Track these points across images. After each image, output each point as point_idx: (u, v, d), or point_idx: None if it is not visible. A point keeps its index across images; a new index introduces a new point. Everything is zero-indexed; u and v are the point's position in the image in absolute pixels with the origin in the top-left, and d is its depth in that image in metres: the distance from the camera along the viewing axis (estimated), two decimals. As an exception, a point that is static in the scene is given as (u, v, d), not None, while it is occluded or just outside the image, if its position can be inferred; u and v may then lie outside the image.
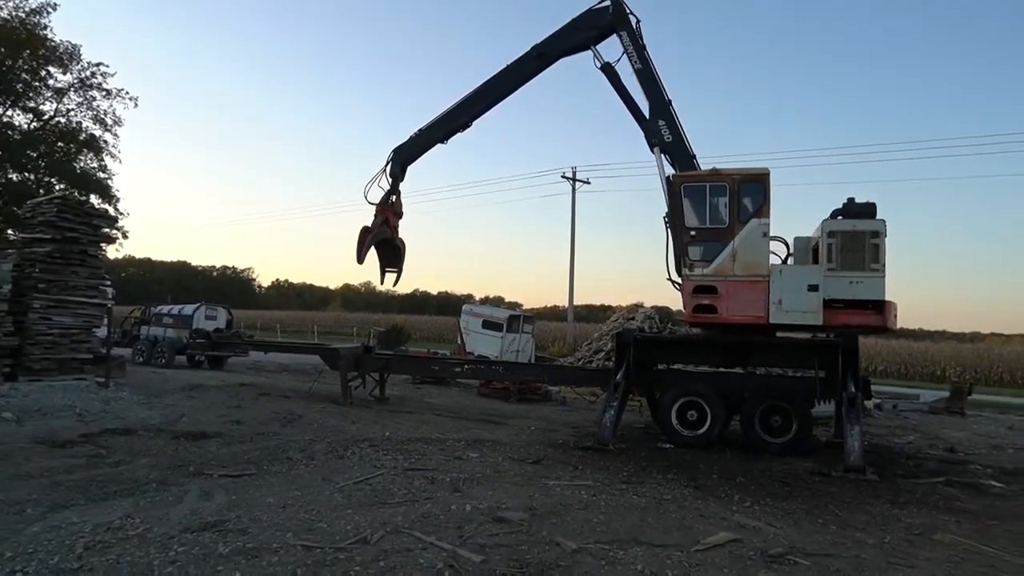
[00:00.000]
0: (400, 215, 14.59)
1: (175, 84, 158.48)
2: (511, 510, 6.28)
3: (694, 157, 11.79)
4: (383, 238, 14.27)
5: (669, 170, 11.78)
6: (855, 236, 10.30)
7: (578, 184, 40.78)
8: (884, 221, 10.31)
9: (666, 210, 11.56)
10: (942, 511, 7.43)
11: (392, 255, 14.78)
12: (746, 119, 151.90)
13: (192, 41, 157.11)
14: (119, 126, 36.11)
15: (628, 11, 12.30)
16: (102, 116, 35.17)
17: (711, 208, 11.05)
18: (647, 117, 12.04)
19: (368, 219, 14.15)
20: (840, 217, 10.62)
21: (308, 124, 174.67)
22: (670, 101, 11.98)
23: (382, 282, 15.16)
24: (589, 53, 12.68)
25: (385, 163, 14.06)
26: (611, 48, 12.45)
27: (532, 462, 8.92)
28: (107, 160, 36.30)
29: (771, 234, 10.82)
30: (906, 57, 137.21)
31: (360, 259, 14.30)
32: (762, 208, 10.73)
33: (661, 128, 11.87)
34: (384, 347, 27.12)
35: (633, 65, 12.09)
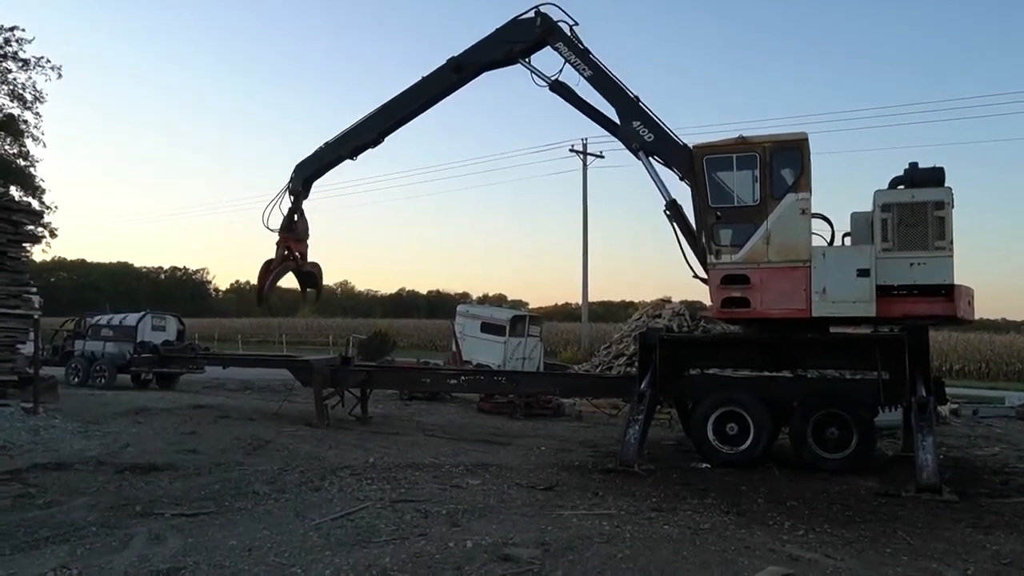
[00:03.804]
0: (305, 237, 15.37)
1: (108, 55, 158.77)
2: (520, 546, 6.26)
3: (686, 147, 11.91)
4: (290, 271, 15.20)
5: (662, 171, 12.01)
6: (915, 208, 10.23)
7: (590, 159, 40.82)
8: (951, 189, 10.26)
9: (664, 203, 11.82)
10: (1035, 535, 7.39)
11: (307, 279, 15.70)
12: (778, 78, 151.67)
13: (129, 8, 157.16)
14: (41, 102, 36.28)
15: (560, 19, 12.62)
16: (20, 91, 35.30)
17: (739, 183, 11.04)
18: (619, 123, 12.29)
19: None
20: (901, 187, 10.57)
21: (270, 105, 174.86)
22: (637, 97, 12.22)
23: (303, 299, 16.08)
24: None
25: (288, 181, 14.86)
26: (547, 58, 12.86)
27: (543, 489, 8.92)
28: (29, 144, 36.43)
29: (812, 211, 10.79)
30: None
31: (260, 300, 15.76)
32: (799, 181, 10.70)
33: (638, 129, 12.07)
34: (365, 358, 27.16)
35: (582, 73, 12.41)
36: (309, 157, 14.86)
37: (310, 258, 15.64)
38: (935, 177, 10.45)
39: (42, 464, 9.83)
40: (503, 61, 13.19)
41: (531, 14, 12.77)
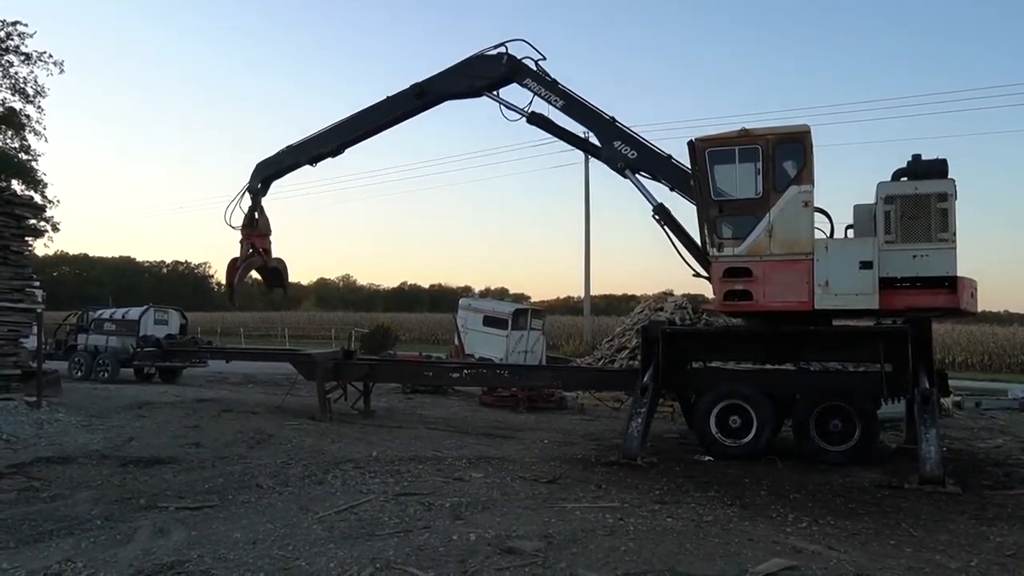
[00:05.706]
0: (268, 233, 15.71)
1: (111, 50, 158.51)
2: (523, 539, 6.27)
3: (669, 157, 12.09)
4: (257, 267, 15.57)
5: (650, 184, 12.18)
6: (918, 200, 10.23)
7: (592, 150, 40.67)
8: (953, 181, 10.26)
9: (652, 206, 12.00)
10: (1038, 527, 7.39)
11: (273, 276, 16.14)
12: (779, 69, 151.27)
13: (132, 3, 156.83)
14: (43, 97, 36.22)
15: (525, 55, 12.77)
16: (22, 85, 35.26)
17: (741, 176, 11.04)
18: (600, 146, 12.52)
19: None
20: (904, 179, 10.55)
21: (271, 100, 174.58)
22: (613, 118, 12.40)
23: (270, 295, 16.95)
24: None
25: (248, 180, 15.22)
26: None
27: (546, 482, 8.94)
28: (30, 138, 36.38)
29: (815, 204, 10.78)
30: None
31: (232, 299, 16.30)
32: (802, 173, 10.69)
33: (620, 149, 12.28)
34: (368, 351, 27.20)
35: (554, 104, 12.62)
36: (270, 158, 15.10)
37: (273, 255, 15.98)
38: (938, 169, 10.44)
39: (46, 458, 9.87)
40: (466, 93, 13.37)
41: (496, 52, 12.85)
